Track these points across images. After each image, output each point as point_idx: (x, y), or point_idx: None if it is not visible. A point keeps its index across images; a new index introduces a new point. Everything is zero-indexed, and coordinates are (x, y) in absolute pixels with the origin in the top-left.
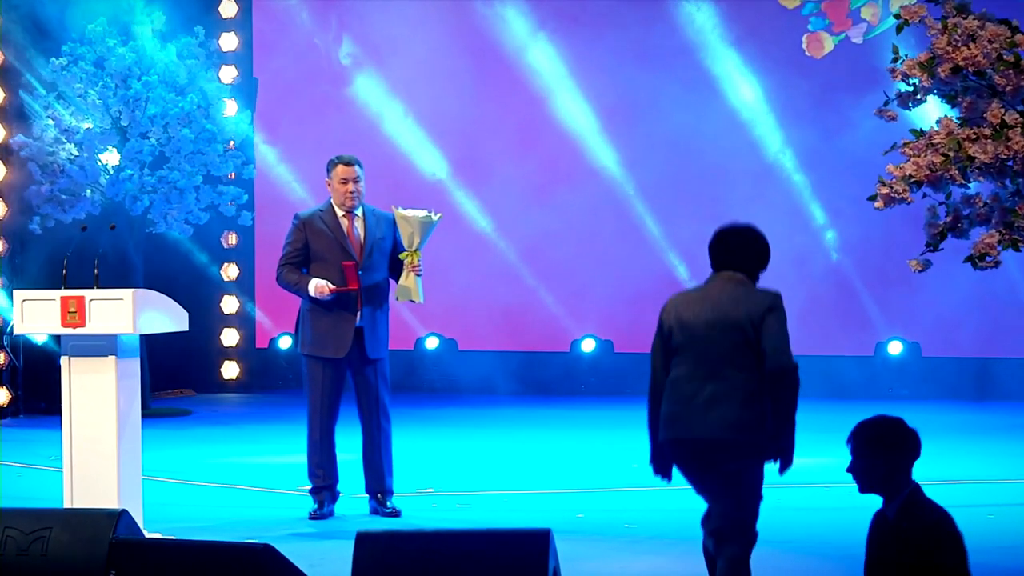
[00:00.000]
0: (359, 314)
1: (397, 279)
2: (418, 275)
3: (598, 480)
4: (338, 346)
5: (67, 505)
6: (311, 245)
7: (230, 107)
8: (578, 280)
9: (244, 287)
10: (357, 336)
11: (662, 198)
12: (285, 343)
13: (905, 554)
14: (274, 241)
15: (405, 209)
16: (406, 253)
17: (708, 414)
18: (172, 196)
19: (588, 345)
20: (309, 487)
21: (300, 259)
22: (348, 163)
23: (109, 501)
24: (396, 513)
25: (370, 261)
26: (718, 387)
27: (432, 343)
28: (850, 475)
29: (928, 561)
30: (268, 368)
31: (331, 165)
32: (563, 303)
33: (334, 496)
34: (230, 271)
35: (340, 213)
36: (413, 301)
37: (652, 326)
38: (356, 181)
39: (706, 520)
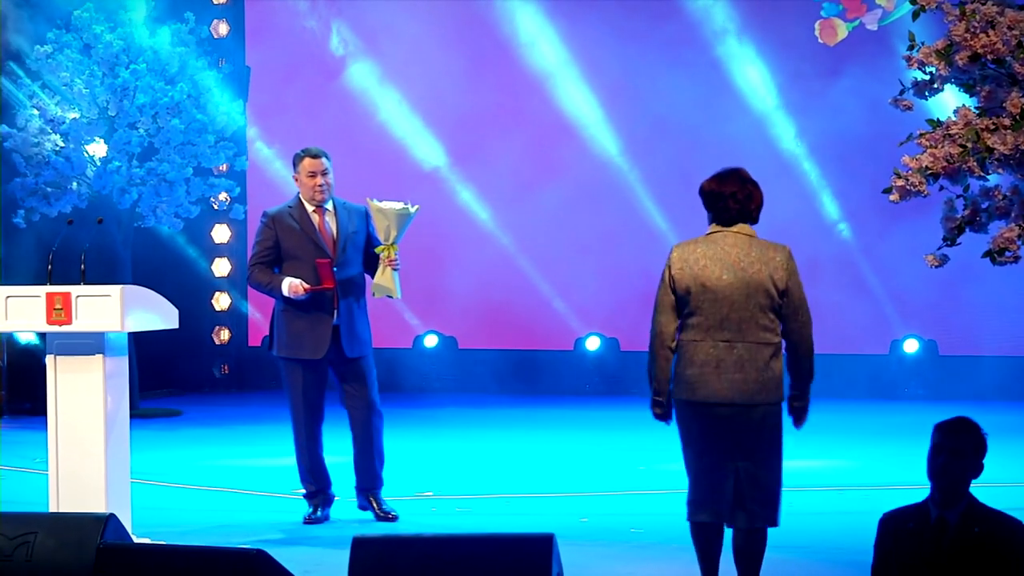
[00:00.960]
0: (335, 312)
1: (372, 274)
2: (395, 269)
3: (603, 483)
4: (315, 347)
5: (52, 509)
6: (282, 243)
7: (221, 96)
8: (582, 275)
9: (236, 283)
10: (335, 335)
11: (669, 190)
12: None
13: (979, 560)
14: None
15: (380, 201)
16: (382, 247)
17: (736, 377)
18: (161, 189)
19: (593, 343)
20: (303, 492)
21: (271, 258)
22: (315, 155)
23: (96, 505)
24: (394, 517)
25: (344, 256)
26: (744, 350)
27: (431, 341)
28: (935, 480)
29: (1009, 567)
30: (261, 367)
31: (297, 159)
32: (566, 299)
33: (328, 500)
34: (222, 267)
35: (310, 208)
36: (390, 297)
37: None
38: (324, 174)
39: (701, 502)
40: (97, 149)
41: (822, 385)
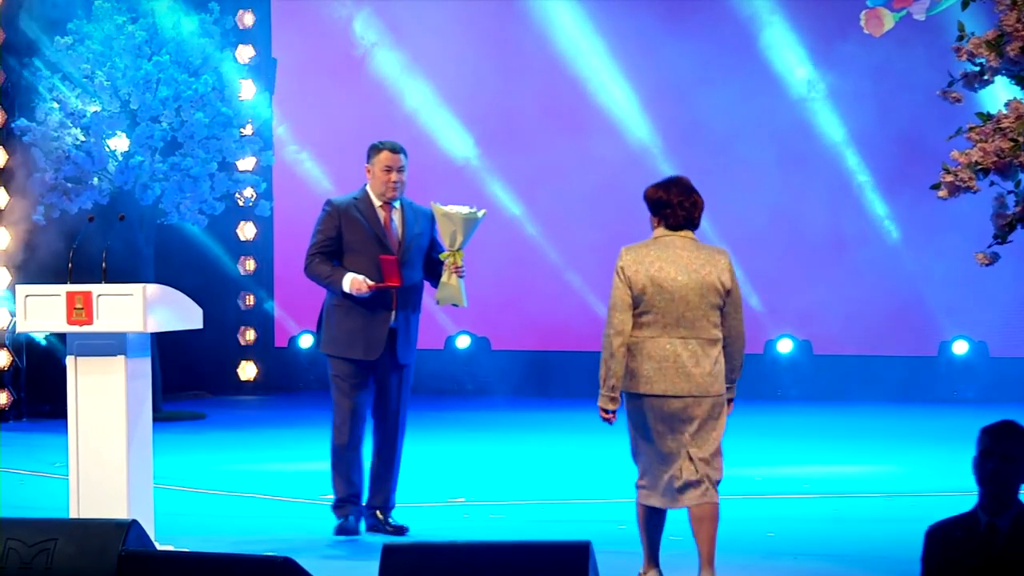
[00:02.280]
0: (393, 314)
1: (431, 280)
2: (461, 276)
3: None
4: (369, 348)
5: (73, 515)
6: (345, 235)
7: (247, 89)
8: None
9: (262, 282)
10: (390, 338)
11: (709, 184)
12: (306, 342)
13: None
14: (294, 232)
15: (445, 205)
16: (447, 253)
17: (691, 371)
18: (185, 184)
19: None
20: (333, 500)
21: (332, 249)
22: (395, 150)
23: (118, 511)
24: (402, 530)
25: (407, 257)
26: (697, 345)
27: (463, 342)
28: (984, 485)
29: None
30: (288, 368)
31: (374, 150)
32: (605, 299)
33: (361, 511)
34: (248, 265)
35: (377, 203)
36: (456, 305)
37: None
38: (401, 171)
39: (654, 487)
40: (119, 143)
41: (868, 388)
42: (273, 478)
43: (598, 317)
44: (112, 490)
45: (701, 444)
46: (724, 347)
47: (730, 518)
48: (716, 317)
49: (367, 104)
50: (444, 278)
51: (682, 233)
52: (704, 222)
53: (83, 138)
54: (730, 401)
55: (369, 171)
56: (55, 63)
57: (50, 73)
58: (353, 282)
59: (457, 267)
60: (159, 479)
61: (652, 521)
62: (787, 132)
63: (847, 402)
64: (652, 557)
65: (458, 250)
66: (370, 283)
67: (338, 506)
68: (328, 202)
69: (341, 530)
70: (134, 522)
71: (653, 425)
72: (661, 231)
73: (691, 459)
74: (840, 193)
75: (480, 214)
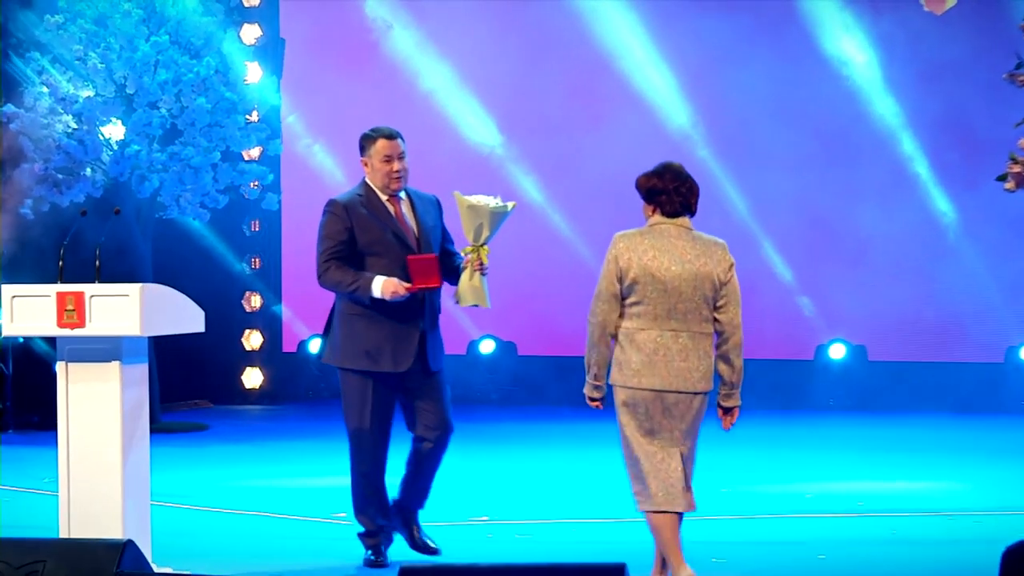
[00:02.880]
0: (422, 318)
1: (447, 276)
2: (484, 274)
3: None
4: (399, 358)
5: (63, 535)
6: (358, 238)
7: (253, 72)
8: None
9: (269, 282)
10: (419, 345)
11: (750, 176)
12: (317, 346)
13: None
14: (304, 228)
15: (469, 195)
16: (471, 248)
17: (681, 366)
18: (186, 175)
19: None
20: (361, 531)
21: (346, 252)
22: (390, 136)
23: (112, 530)
24: (436, 550)
25: (426, 253)
26: (688, 339)
27: (487, 347)
28: None
29: None
30: (297, 376)
31: (368, 140)
32: None
33: (390, 539)
34: (253, 263)
35: (384, 197)
36: (477, 306)
37: (746, 329)
38: (401, 158)
39: (659, 490)
40: (114, 131)
41: (927, 398)
42: (281, 495)
43: None
44: (106, 508)
45: (688, 443)
46: (721, 341)
47: (777, 540)
48: (708, 311)
49: (382, 87)
50: (466, 276)
51: (678, 221)
52: (747, 217)
53: (75, 125)
54: (734, 409)
55: (367, 164)
56: (45, 44)
57: (39, 55)
58: (387, 285)
59: (481, 264)
60: (157, 496)
61: (668, 527)
62: (836, 120)
63: (905, 412)
64: (673, 562)
65: (482, 245)
66: (406, 285)
67: (367, 535)
68: (331, 203)
69: (370, 563)
70: (129, 542)
71: (641, 421)
72: (657, 219)
73: (682, 459)
74: (894, 185)
75: (509, 206)
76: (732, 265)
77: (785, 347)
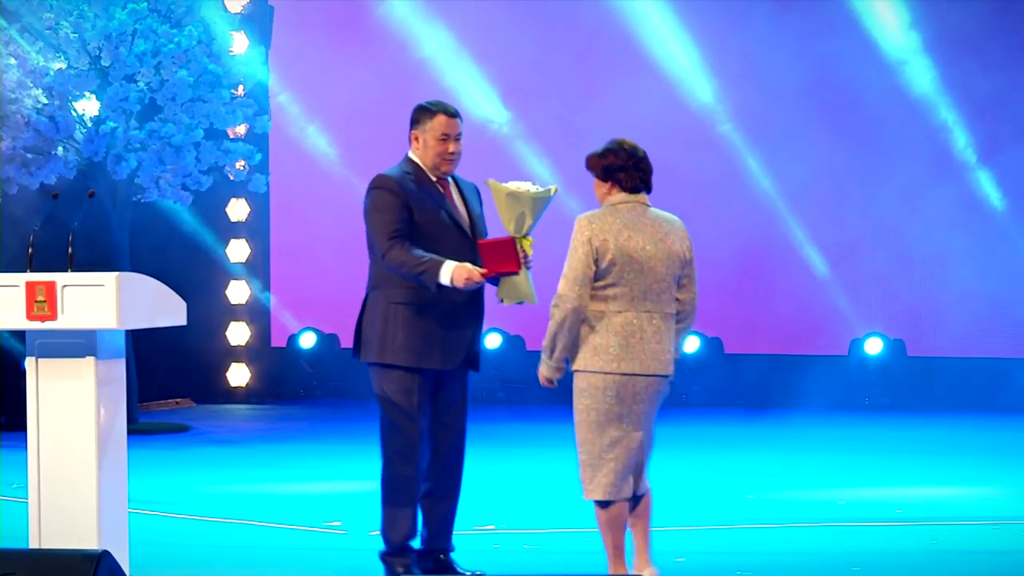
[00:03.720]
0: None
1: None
2: (528, 268)
3: (702, 515)
4: (451, 353)
5: (34, 545)
6: (416, 216)
7: (239, 42)
8: None
9: (257, 270)
10: (472, 341)
11: (779, 156)
12: (308, 340)
13: None
14: (294, 212)
15: (507, 182)
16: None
17: (656, 348)
18: (166, 155)
19: (691, 344)
20: (386, 549)
21: (406, 231)
22: (453, 114)
23: (87, 540)
24: None
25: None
26: (660, 320)
27: (493, 341)
28: None
29: None
30: (287, 373)
31: (425, 114)
32: None
33: (416, 559)
34: (239, 250)
35: (432, 178)
36: (521, 303)
37: (773, 321)
38: (458, 139)
39: (624, 478)
40: (88, 107)
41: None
42: (269, 502)
43: None
44: (80, 515)
45: (649, 427)
46: (679, 319)
47: (809, 550)
48: (675, 290)
49: (378, 58)
50: None
51: (639, 198)
52: (775, 199)
53: (45, 101)
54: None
55: (417, 139)
56: (12, 12)
57: (6, 23)
58: (460, 271)
59: (525, 256)
60: (135, 503)
61: (622, 518)
62: (871, 95)
63: (946, 412)
64: (617, 557)
65: (525, 236)
66: (482, 271)
67: (396, 554)
68: (381, 178)
69: None
70: (105, 553)
71: (611, 406)
72: (619, 196)
73: (642, 443)
74: (936, 163)
75: (552, 190)
76: (691, 241)
77: (816, 341)
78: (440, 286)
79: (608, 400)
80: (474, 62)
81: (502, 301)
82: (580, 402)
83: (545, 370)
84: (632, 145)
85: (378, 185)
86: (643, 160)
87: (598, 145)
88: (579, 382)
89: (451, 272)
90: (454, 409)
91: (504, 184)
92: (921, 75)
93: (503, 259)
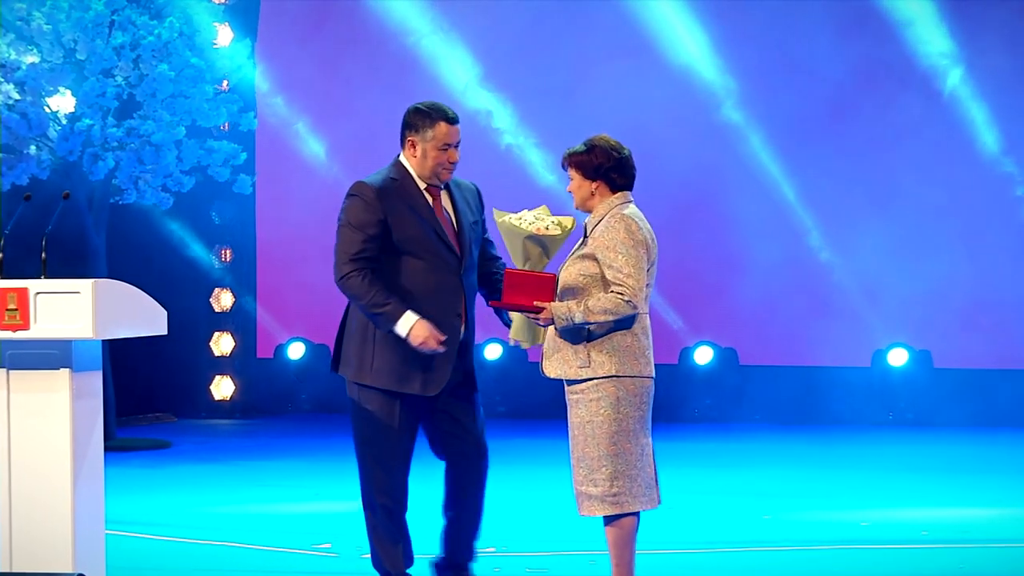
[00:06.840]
0: (463, 332)
1: (484, 286)
2: None
3: (715, 536)
4: (433, 379)
5: (5, 568)
6: (394, 233)
7: (223, 34)
8: (690, 267)
9: (242, 277)
10: (461, 359)
11: (797, 150)
12: (296, 351)
13: None
14: (282, 214)
15: (517, 217)
16: None
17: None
18: (145, 154)
19: (704, 355)
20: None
21: (374, 251)
22: (453, 121)
23: (62, 563)
24: None
25: (469, 259)
26: (647, 320)
27: (493, 352)
28: None
29: None
30: (273, 386)
31: (424, 119)
32: (669, 297)
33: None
34: (224, 255)
35: (422, 186)
36: (541, 344)
37: (785, 329)
38: (457, 146)
39: (645, 487)
40: (62, 103)
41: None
42: (254, 523)
43: (664, 319)
44: (54, 537)
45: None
46: None
47: (830, 572)
48: None
49: (372, 52)
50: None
51: (629, 195)
52: (791, 198)
53: (17, 96)
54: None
55: (414, 145)
56: None
57: None
58: (419, 329)
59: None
60: (112, 524)
61: (633, 532)
62: (890, 90)
63: (975, 428)
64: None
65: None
66: (442, 338)
67: None
68: (358, 186)
69: None
70: None
71: (644, 412)
72: (621, 195)
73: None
74: (964, 158)
75: (569, 224)
76: None
77: (837, 352)
78: (399, 319)
79: (644, 406)
80: (467, 52)
81: (520, 344)
82: (619, 411)
83: (557, 323)
84: (617, 143)
85: (354, 193)
86: (629, 158)
87: (583, 137)
88: (614, 390)
89: (410, 327)
90: (467, 428)
91: (513, 219)
92: (953, 75)
93: (534, 295)
